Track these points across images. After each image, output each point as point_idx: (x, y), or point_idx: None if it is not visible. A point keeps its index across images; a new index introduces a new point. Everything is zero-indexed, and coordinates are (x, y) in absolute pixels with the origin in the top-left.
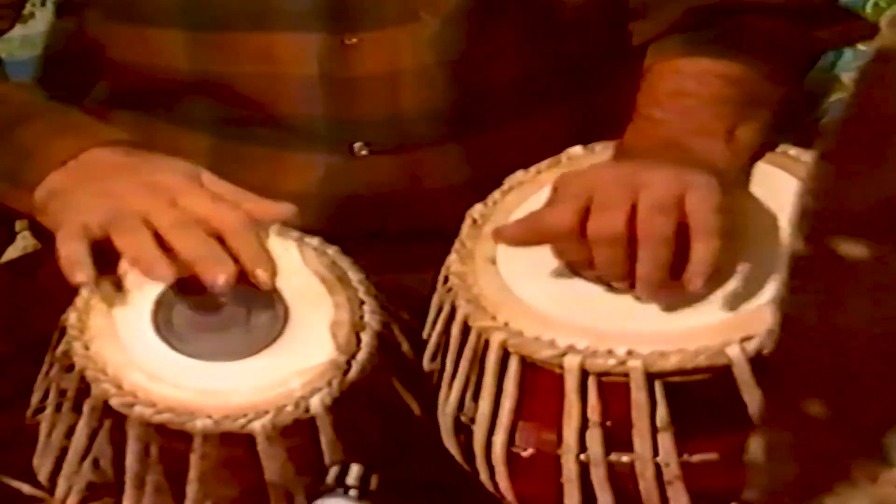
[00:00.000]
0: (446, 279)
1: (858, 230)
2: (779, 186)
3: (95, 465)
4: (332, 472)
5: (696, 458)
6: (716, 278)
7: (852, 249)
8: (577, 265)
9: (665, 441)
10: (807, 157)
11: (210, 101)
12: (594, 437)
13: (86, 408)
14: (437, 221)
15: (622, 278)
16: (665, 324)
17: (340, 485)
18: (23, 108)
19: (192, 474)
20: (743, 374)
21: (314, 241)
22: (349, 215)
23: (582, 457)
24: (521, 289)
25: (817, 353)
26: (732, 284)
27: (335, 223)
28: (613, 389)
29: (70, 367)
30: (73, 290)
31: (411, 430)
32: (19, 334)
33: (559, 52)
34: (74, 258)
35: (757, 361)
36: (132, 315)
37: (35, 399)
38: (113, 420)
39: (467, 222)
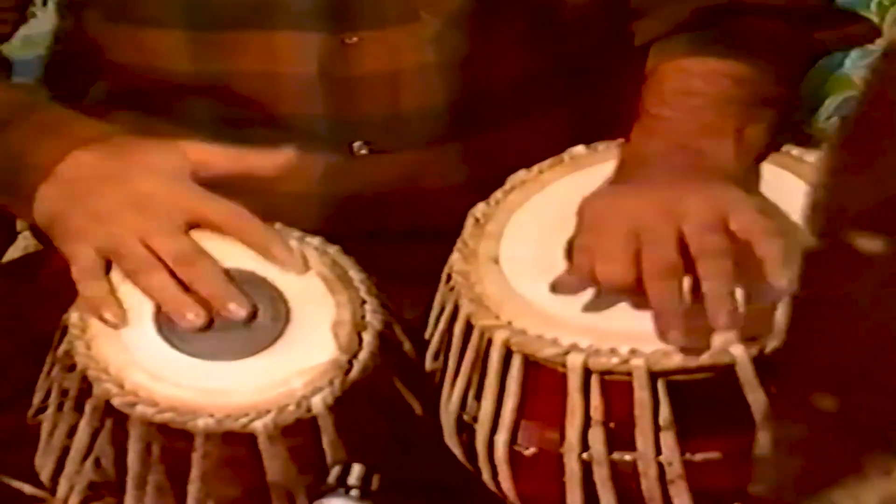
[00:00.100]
0: (449, 278)
1: (871, 224)
2: (782, 186)
3: (97, 464)
4: (334, 471)
5: (698, 457)
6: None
7: (865, 243)
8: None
9: (668, 440)
10: (809, 157)
11: (210, 100)
12: (597, 436)
13: (87, 407)
14: (437, 221)
15: (679, 323)
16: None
17: (342, 484)
18: (7, 111)
19: (194, 474)
20: (746, 374)
21: (315, 240)
22: (349, 215)
23: (584, 456)
24: (524, 288)
25: (829, 347)
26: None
27: (335, 223)
28: (616, 388)
29: (72, 367)
30: (75, 290)
31: (413, 429)
32: (21, 334)
33: (560, 51)
34: (99, 299)
35: (760, 360)
36: (134, 314)
37: (37, 399)
38: (115, 419)
39: (470, 221)
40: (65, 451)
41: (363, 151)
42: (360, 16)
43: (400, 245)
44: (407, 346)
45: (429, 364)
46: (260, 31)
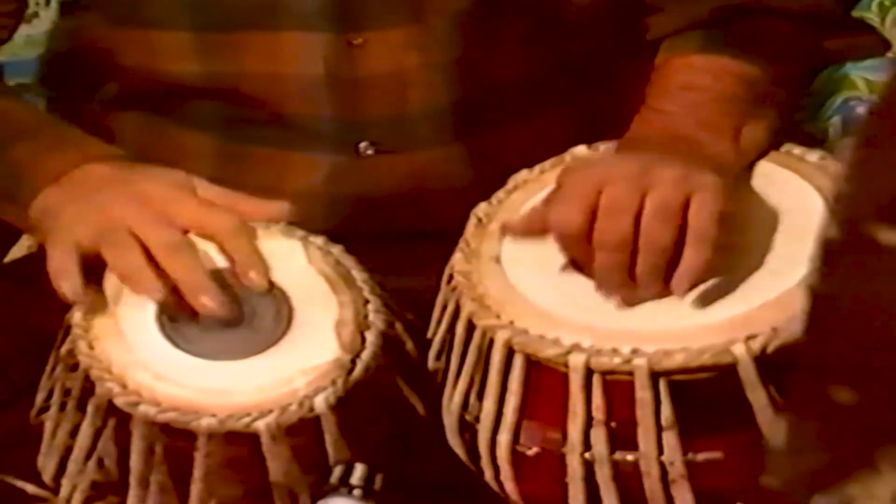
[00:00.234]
0: (451, 278)
1: (892, 216)
2: (783, 186)
3: (100, 464)
4: (337, 471)
5: (700, 456)
6: (723, 275)
7: (886, 235)
8: (580, 262)
9: (670, 440)
10: (811, 156)
11: (216, 101)
12: (599, 436)
13: (90, 407)
14: (442, 221)
15: (618, 284)
16: (670, 322)
17: (345, 484)
18: (18, 126)
19: (197, 473)
20: (748, 373)
21: (318, 240)
22: (354, 215)
23: (587, 455)
24: (526, 287)
25: (847, 339)
26: (738, 282)
27: (340, 223)
28: (618, 388)
29: (74, 367)
30: None
31: (416, 429)
32: (23, 334)
33: (565, 52)
34: (62, 269)
35: (762, 360)
36: (137, 314)
37: (39, 398)
38: (117, 419)
39: (472, 221)
40: (67, 451)
41: (369, 152)
42: (366, 16)
43: (405, 245)
44: (409, 345)
45: (431, 364)
46: (266, 31)
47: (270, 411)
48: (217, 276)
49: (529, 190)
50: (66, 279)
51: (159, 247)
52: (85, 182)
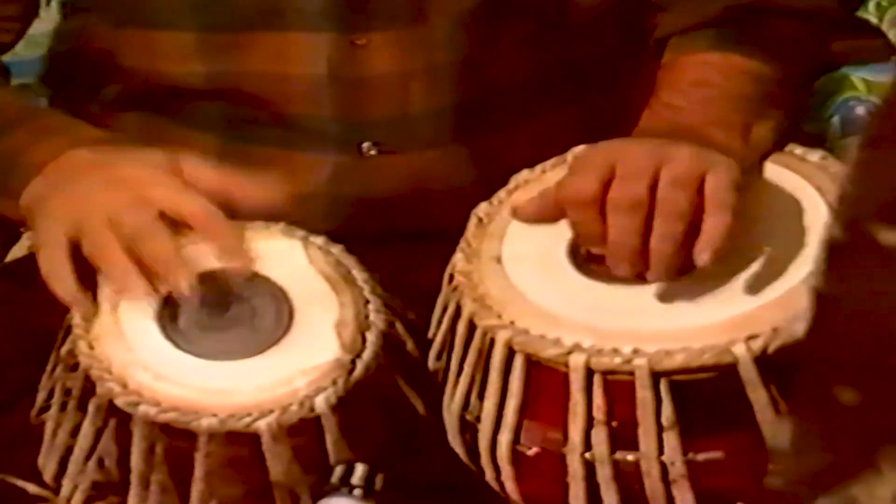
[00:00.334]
0: (452, 278)
1: (893, 217)
2: (784, 186)
3: (100, 464)
4: (337, 471)
5: (701, 456)
6: (723, 274)
7: (887, 236)
8: (589, 238)
9: (670, 440)
10: (812, 156)
11: (219, 101)
12: (599, 436)
13: (91, 407)
14: (444, 222)
15: (630, 253)
16: (670, 322)
17: (345, 484)
18: (5, 116)
19: (197, 473)
20: (748, 373)
21: (319, 239)
22: (357, 215)
23: (587, 455)
24: (527, 287)
25: (851, 340)
26: (739, 281)
27: (343, 223)
28: (619, 388)
29: (75, 367)
30: None
31: (416, 429)
32: (24, 334)
33: (568, 53)
34: (53, 272)
35: (763, 360)
36: (137, 314)
37: (40, 398)
38: (118, 419)
39: (473, 221)
40: (68, 451)
41: (372, 152)
42: (370, 17)
43: (406, 245)
44: (410, 345)
45: (432, 364)
46: (269, 32)
47: (271, 411)
48: (217, 275)
49: (531, 190)
50: (59, 282)
51: (132, 233)
52: (66, 170)
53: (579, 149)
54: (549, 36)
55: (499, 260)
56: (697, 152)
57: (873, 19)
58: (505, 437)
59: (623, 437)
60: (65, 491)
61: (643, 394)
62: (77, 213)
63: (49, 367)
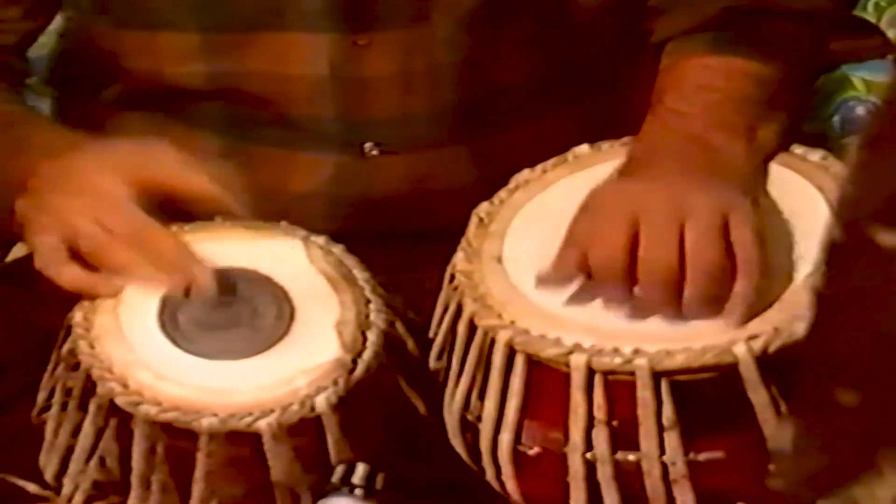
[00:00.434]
0: (452, 278)
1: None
2: (785, 186)
3: (101, 463)
4: (338, 471)
5: (702, 456)
6: None
7: (885, 237)
8: (616, 302)
9: (671, 440)
10: (813, 155)
11: (221, 101)
12: (600, 436)
13: (91, 406)
14: (445, 222)
15: (663, 311)
16: (671, 322)
17: (346, 484)
18: None
19: (198, 473)
20: (749, 373)
21: (320, 239)
22: (358, 215)
23: (588, 455)
24: (528, 287)
25: (851, 342)
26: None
27: (344, 223)
28: (619, 388)
29: (76, 366)
30: None
31: (417, 428)
32: (25, 333)
33: (569, 53)
34: (59, 269)
35: (763, 360)
36: (138, 313)
37: (41, 398)
38: (119, 419)
39: (473, 221)
40: (69, 451)
41: (374, 152)
42: (372, 17)
43: (407, 245)
44: (411, 345)
45: (432, 363)
46: (271, 32)
47: (272, 411)
48: (217, 275)
49: (532, 189)
50: (67, 274)
51: (128, 236)
52: (44, 185)
53: (581, 148)
54: (549, 36)
55: (500, 260)
56: (717, 197)
57: (871, 19)
58: (506, 437)
59: (624, 437)
60: (66, 490)
61: (644, 394)
62: (62, 223)
63: (50, 367)
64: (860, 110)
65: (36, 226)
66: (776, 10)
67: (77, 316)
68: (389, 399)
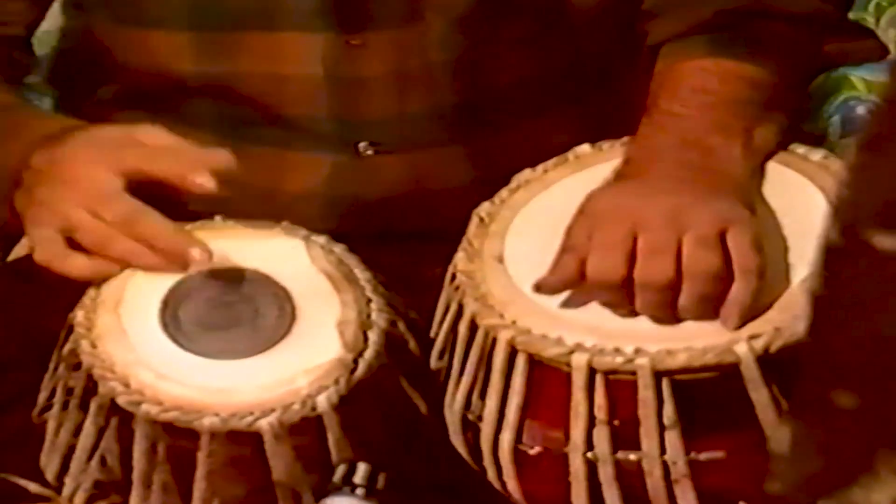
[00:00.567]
0: (454, 277)
1: (891, 222)
2: (787, 185)
3: (103, 463)
4: (340, 470)
5: (703, 456)
6: None
7: (881, 240)
8: (616, 305)
9: (672, 439)
10: (814, 155)
11: (215, 101)
12: (601, 436)
13: (93, 406)
14: (442, 222)
15: (662, 318)
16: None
17: (347, 483)
18: None
19: (200, 472)
20: (750, 372)
21: (321, 239)
22: (355, 215)
23: (589, 455)
24: (529, 287)
25: (849, 344)
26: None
27: (341, 223)
28: (621, 387)
29: (77, 366)
30: (80, 289)
31: (418, 428)
32: (26, 332)
33: (565, 53)
34: (59, 258)
35: (764, 359)
36: (139, 313)
37: (42, 397)
38: (120, 418)
39: (474, 221)
40: (70, 450)
41: (369, 152)
42: (365, 17)
43: (406, 245)
44: (412, 344)
45: (434, 363)
46: (265, 32)
47: (273, 410)
48: (219, 274)
49: (532, 189)
50: (67, 262)
51: (123, 224)
52: (34, 177)
53: (581, 148)
54: (545, 36)
55: (501, 259)
56: (716, 210)
57: (871, 19)
58: (507, 437)
59: (625, 436)
60: (67, 490)
61: (645, 393)
62: (61, 216)
63: (51, 367)
64: (860, 110)
65: (33, 218)
66: (771, 13)
67: (79, 315)
68: (391, 398)
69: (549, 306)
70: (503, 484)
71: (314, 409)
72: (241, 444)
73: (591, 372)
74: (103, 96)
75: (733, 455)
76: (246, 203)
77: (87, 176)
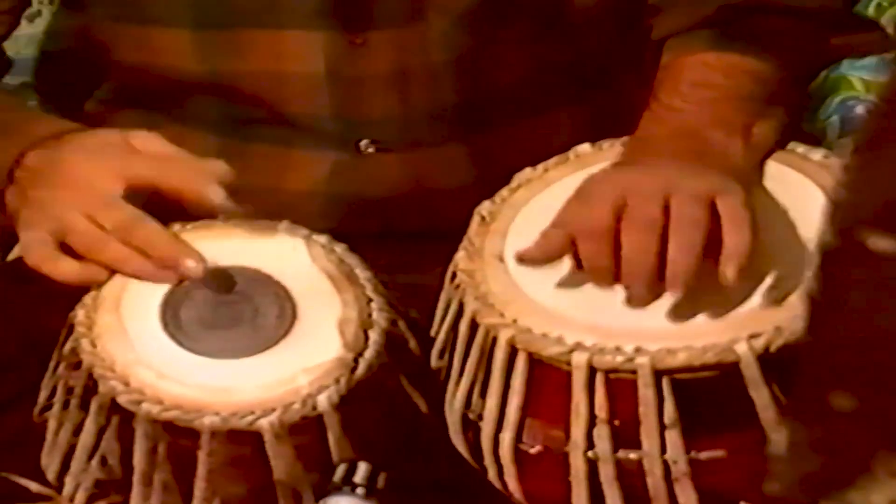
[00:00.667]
0: (454, 276)
1: (888, 224)
2: (787, 184)
3: (103, 462)
4: (340, 470)
5: (704, 455)
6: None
7: (877, 242)
8: (599, 273)
9: (673, 438)
10: (815, 154)
11: (217, 99)
12: (602, 435)
13: (93, 405)
14: (444, 220)
15: (647, 278)
16: (672, 319)
17: (348, 483)
18: None
19: (200, 472)
20: (751, 371)
21: (322, 238)
22: (356, 214)
23: (590, 454)
24: (529, 286)
25: (846, 346)
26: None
27: (342, 221)
28: (621, 386)
29: (77, 365)
30: (80, 289)
31: (419, 427)
32: (26, 332)
33: (566, 51)
34: (49, 261)
35: (765, 358)
36: (140, 312)
37: (42, 397)
38: (120, 417)
39: (475, 219)
40: (71, 449)
41: (370, 150)
42: (368, 15)
43: (407, 244)
44: (412, 343)
45: (434, 362)
46: (267, 30)
47: (273, 410)
48: (219, 274)
49: (533, 188)
50: (57, 266)
51: (119, 230)
52: (27, 177)
53: (582, 147)
54: (547, 35)
55: (501, 258)
56: (706, 179)
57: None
58: (507, 436)
59: (625, 435)
60: (67, 489)
61: (645, 392)
62: (52, 219)
63: (51, 366)
64: (859, 110)
65: (25, 220)
66: (775, 8)
67: (79, 314)
68: (391, 398)
69: (549, 305)
70: (504, 483)
71: (315, 408)
72: (242, 443)
73: (592, 371)
74: (102, 96)
75: (734, 454)
76: (247, 201)
77: (87, 180)
